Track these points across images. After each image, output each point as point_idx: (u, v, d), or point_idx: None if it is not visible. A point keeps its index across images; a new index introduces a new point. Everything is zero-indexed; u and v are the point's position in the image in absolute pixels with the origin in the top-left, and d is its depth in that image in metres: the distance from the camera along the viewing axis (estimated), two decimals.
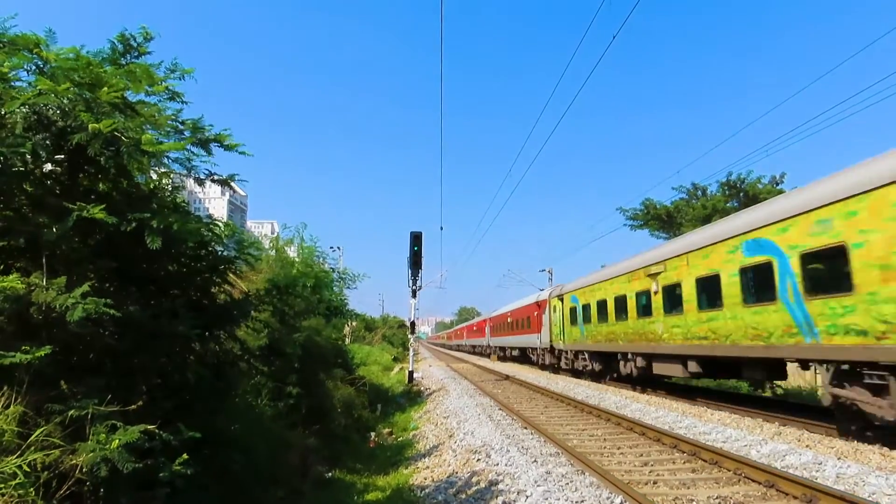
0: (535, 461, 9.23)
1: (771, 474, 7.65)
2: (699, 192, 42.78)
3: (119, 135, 4.07)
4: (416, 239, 25.24)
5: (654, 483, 8.08)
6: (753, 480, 7.85)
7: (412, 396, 23.04)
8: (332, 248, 33.80)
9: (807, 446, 10.18)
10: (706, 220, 36.35)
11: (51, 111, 4.18)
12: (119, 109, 4.20)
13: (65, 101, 4.00)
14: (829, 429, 11.56)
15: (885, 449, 9.80)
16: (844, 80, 30.00)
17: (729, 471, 8.41)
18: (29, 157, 4.21)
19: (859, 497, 6.52)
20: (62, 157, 4.44)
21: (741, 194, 39.63)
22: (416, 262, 25.66)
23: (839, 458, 8.92)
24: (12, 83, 4.09)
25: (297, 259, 15.51)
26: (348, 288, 21.45)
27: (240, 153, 5.04)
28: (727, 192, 40.57)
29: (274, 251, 15.83)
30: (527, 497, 7.21)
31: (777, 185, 38.60)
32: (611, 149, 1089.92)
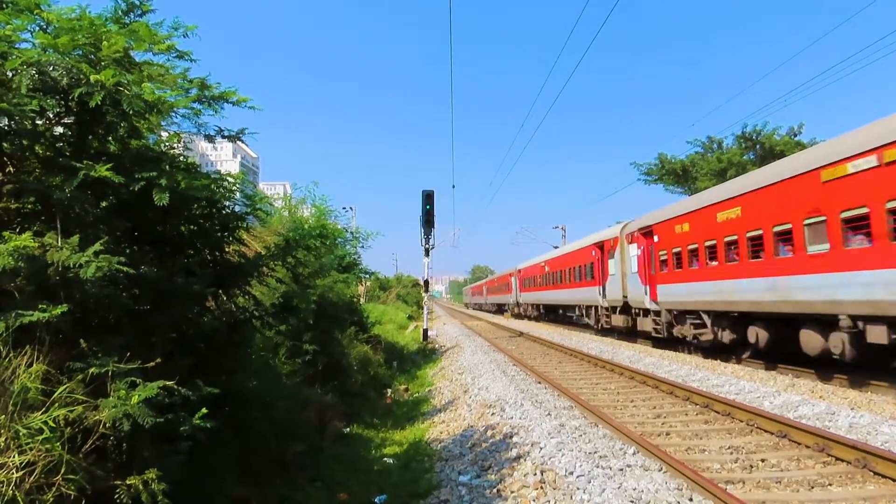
0: (548, 414, 9.36)
1: (783, 424, 7.71)
2: (714, 146, 42.04)
3: (122, 88, 4.04)
4: (427, 198, 25.18)
5: (667, 434, 8.18)
6: (766, 431, 7.92)
7: (427, 354, 23.39)
8: (344, 208, 33.81)
9: (820, 397, 10.23)
10: (721, 173, 35.82)
11: (56, 72, 4.15)
12: (121, 65, 4.16)
13: (67, 59, 3.96)
14: (843, 380, 11.59)
15: None
16: (865, 27, 28.94)
17: (741, 422, 8.48)
18: (37, 118, 4.21)
19: (871, 445, 6.56)
20: (71, 120, 4.44)
21: (757, 146, 38.87)
22: (428, 221, 25.69)
23: (852, 409, 8.96)
24: (16, 44, 4.05)
25: (309, 217, 15.61)
26: (361, 247, 21.61)
27: (249, 108, 5.02)
28: (743, 145, 39.81)
29: (287, 212, 15.91)
30: (541, 448, 7.33)
31: (795, 136, 37.75)
32: (624, 103, 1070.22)
